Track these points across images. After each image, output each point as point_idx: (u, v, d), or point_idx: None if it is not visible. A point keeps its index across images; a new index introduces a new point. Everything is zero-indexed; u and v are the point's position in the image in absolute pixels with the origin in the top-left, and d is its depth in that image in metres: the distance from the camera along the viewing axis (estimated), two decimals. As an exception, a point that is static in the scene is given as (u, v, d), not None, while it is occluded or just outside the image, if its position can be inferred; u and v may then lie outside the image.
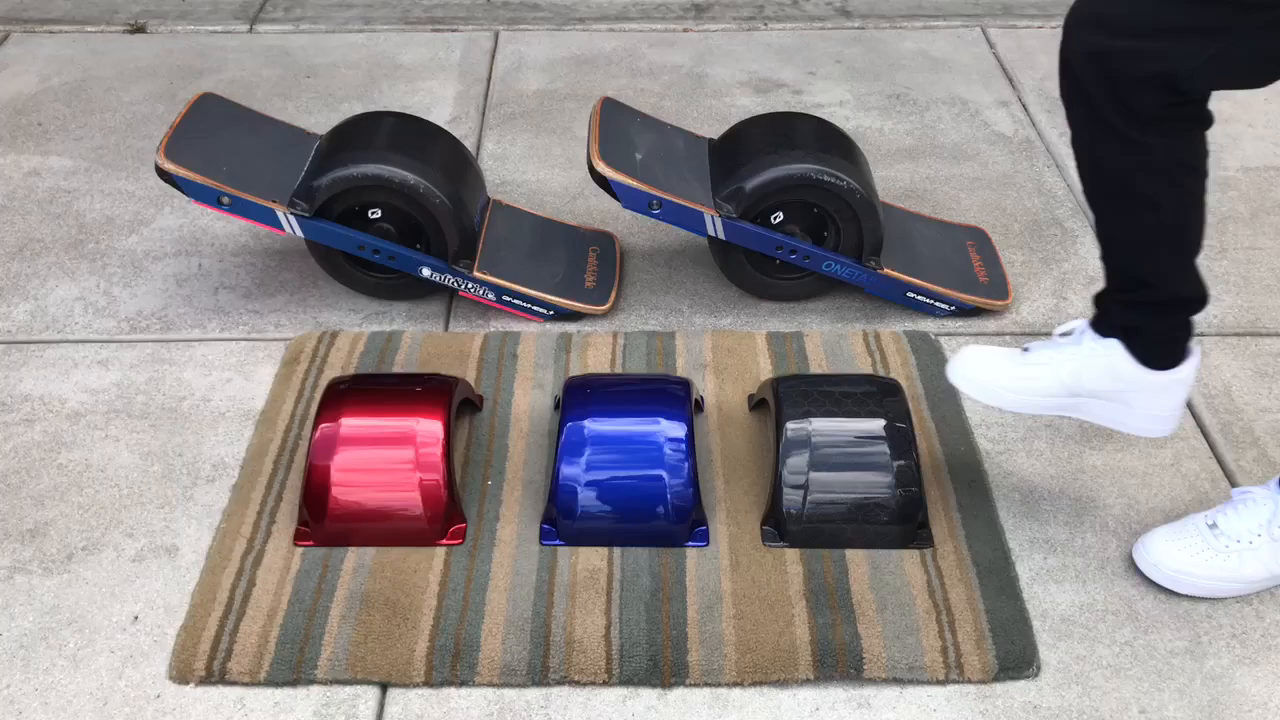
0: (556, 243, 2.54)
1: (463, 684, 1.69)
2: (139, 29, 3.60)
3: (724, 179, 2.32)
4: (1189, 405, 2.18)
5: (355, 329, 2.36)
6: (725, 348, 2.29)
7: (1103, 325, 1.81)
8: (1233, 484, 2.02)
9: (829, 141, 2.37)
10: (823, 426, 1.89)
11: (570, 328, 2.37)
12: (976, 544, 1.88)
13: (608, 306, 2.40)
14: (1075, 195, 2.80)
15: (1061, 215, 2.72)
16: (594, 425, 1.91)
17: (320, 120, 3.06)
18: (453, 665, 1.70)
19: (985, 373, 1.85)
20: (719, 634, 1.74)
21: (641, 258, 2.59)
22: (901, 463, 1.87)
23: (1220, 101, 3.19)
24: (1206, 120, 1.63)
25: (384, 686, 1.69)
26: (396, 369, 2.24)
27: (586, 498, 1.86)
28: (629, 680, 1.69)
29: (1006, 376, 1.84)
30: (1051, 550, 1.90)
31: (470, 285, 2.35)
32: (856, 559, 1.85)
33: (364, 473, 1.86)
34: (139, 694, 1.68)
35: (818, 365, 2.25)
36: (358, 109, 3.11)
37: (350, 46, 3.52)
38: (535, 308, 2.38)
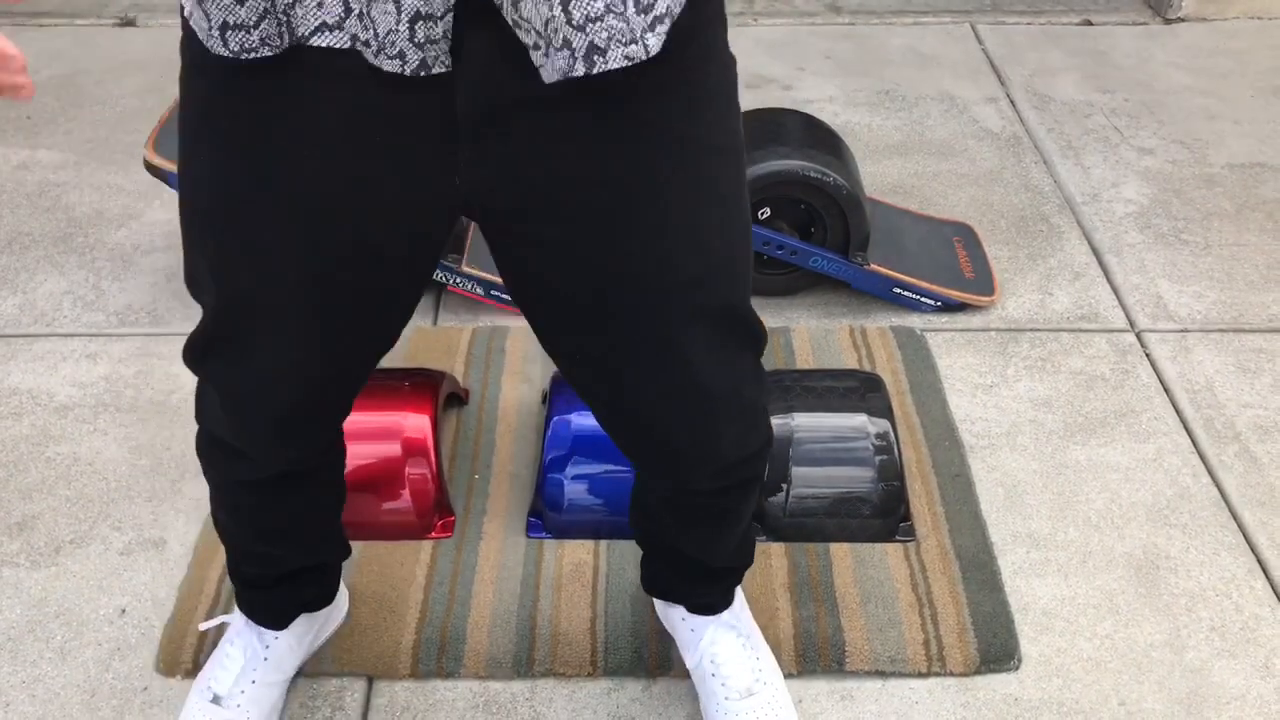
0: (545, 237, 2.55)
1: (449, 676, 1.70)
2: (129, 22, 3.60)
3: (711, 174, 2.33)
4: (1172, 400, 2.20)
5: (344, 323, 2.37)
6: (712, 342, 2.30)
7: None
8: (1214, 479, 2.04)
9: (816, 138, 2.38)
10: (805, 422, 1.90)
11: (558, 322, 2.38)
12: (960, 538, 1.90)
13: (595, 301, 2.41)
14: (1062, 191, 2.82)
15: (1048, 211, 2.74)
16: (581, 420, 1.91)
17: (310, 114, 3.06)
18: (439, 657, 1.71)
19: None
20: (703, 627, 1.74)
21: (630, 253, 2.59)
22: (883, 457, 1.88)
23: (1206, 98, 3.23)
24: None
25: (370, 679, 1.70)
26: (385, 363, 2.24)
27: (573, 491, 1.87)
28: (614, 672, 1.70)
29: None
30: (1034, 544, 1.91)
31: (458, 280, 2.36)
32: (841, 553, 1.86)
33: (351, 469, 1.87)
34: (126, 686, 1.69)
35: (804, 360, 2.26)
36: (347, 103, 3.11)
37: (340, 40, 3.52)
38: (523, 302, 2.38)
